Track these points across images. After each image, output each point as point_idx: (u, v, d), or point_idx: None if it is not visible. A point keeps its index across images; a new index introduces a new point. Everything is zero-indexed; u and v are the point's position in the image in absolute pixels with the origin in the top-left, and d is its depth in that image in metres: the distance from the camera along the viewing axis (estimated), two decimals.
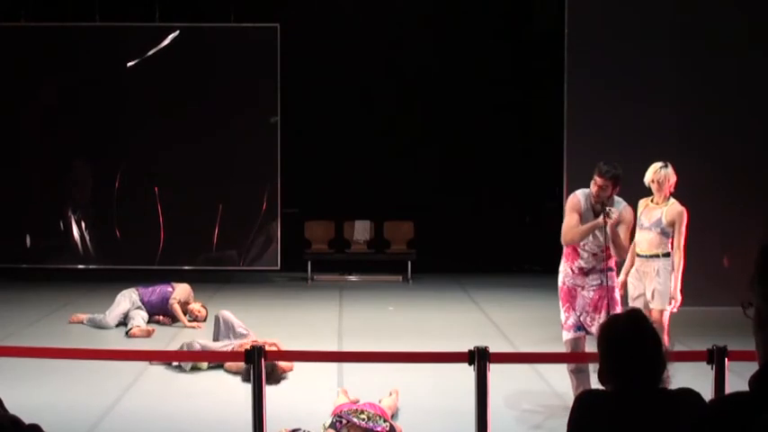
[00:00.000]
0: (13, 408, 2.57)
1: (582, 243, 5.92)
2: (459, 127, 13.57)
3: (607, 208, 5.73)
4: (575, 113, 10.43)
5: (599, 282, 5.91)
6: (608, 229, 5.71)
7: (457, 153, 13.61)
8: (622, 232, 5.86)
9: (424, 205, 13.44)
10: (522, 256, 13.80)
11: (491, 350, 4.68)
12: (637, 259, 6.58)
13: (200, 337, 8.22)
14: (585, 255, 5.96)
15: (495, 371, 4.75)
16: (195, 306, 9.76)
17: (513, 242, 13.61)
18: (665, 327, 6.44)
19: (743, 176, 10.19)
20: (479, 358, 4.63)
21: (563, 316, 6.05)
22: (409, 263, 13.01)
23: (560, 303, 6.09)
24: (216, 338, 8.19)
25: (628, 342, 2.83)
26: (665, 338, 6.38)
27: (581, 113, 10.35)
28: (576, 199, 6.02)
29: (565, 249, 6.08)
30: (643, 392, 2.79)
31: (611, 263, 6.01)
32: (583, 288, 5.92)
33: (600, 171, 5.83)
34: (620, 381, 2.82)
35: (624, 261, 6.41)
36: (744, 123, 10.42)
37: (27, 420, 2.47)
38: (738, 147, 10.29)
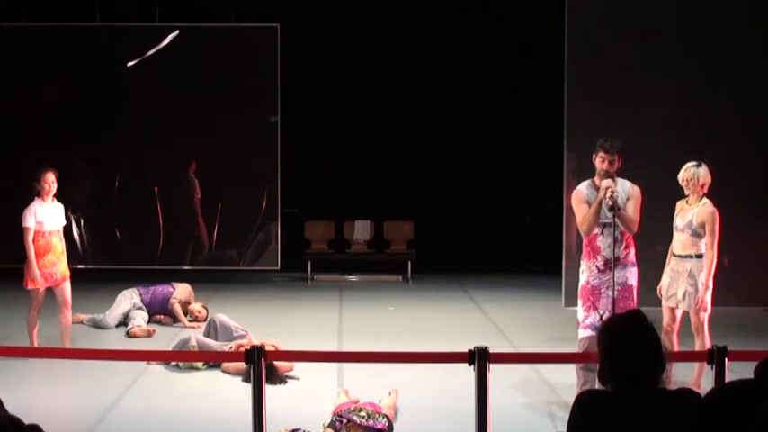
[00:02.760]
0: (13, 408, 2.57)
1: (597, 231, 5.92)
2: (459, 127, 13.57)
3: (605, 180, 5.85)
4: (575, 113, 10.43)
5: (623, 280, 5.91)
6: (607, 198, 5.76)
7: (457, 153, 13.63)
8: (631, 207, 5.93)
9: (424, 205, 13.44)
10: (522, 256, 13.80)
11: (491, 350, 4.69)
12: (672, 258, 6.59)
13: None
14: (605, 243, 5.91)
15: (495, 371, 4.75)
16: (196, 306, 9.77)
17: (513, 242, 13.60)
18: (704, 328, 6.42)
19: (743, 177, 10.18)
20: (479, 358, 4.63)
21: (581, 314, 6.02)
22: (409, 263, 13.00)
23: (580, 302, 6.06)
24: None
25: (627, 342, 2.84)
26: (706, 340, 6.35)
27: (581, 113, 10.34)
28: (579, 192, 6.11)
29: (584, 249, 6.07)
30: (643, 392, 2.79)
31: (632, 255, 6.01)
32: (608, 287, 5.89)
33: (605, 148, 5.98)
34: (619, 381, 2.83)
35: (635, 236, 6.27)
36: (744, 123, 10.42)
37: (27, 420, 2.47)
38: (738, 147, 10.28)
